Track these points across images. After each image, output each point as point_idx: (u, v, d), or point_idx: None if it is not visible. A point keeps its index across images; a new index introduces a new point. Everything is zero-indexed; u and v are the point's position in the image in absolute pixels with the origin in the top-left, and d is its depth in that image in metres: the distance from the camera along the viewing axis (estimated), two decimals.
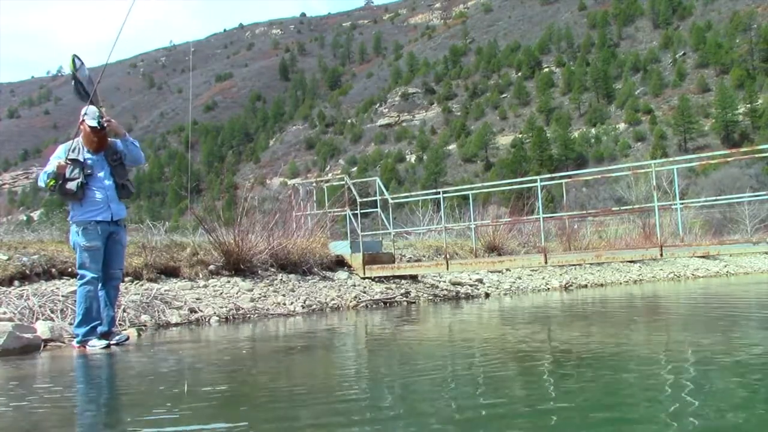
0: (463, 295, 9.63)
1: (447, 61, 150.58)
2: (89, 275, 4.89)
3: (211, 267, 8.14)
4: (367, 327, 6.28)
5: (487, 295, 9.85)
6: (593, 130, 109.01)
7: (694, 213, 22.52)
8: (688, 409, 2.36)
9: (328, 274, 9.20)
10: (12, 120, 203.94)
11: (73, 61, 5.13)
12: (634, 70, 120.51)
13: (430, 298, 9.09)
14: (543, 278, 11.92)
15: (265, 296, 7.71)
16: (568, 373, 3.27)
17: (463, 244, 12.39)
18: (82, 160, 4.96)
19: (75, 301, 5.18)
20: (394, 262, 9.75)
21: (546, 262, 8.36)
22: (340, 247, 9.67)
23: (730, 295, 9.43)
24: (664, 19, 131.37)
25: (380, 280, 9.35)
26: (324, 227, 9.96)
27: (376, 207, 10.05)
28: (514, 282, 11.08)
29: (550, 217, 11.78)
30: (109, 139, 5.13)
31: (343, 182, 10.09)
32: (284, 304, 7.60)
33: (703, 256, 16.91)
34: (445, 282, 10.10)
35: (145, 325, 6.19)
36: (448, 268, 9.11)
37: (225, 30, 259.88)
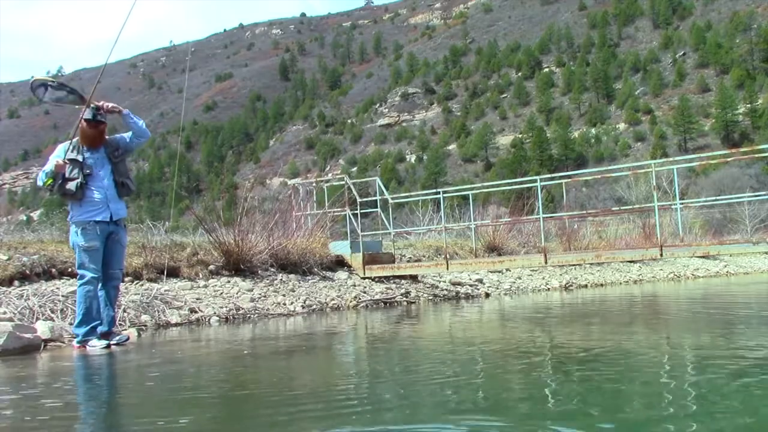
0: (463, 295, 9.62)
1: (447, 61, 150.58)
2: (89, 275, 4.89)
3: (211, 267, 8.14)
4: (367, 327, 6.28)
5: (487, 295, 9.85)
6: (593, 130, 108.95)
7: (694, 213, 22.52)
8: (689, 410, 2.36)
9: (328, 274, 9.20)
10: (12, 120, 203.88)
11: (43, 85, 5.08)
12: (634, 70, 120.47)
13: (430, 298, 9.09)
14: (543, 278, 11.92)
15: (265, 296, 7.71)
16: (568, 373, 3.27)
17: (463, 244, 12.39)
18: (81, 159, 4.96)
19: (75, 301, 5.18)
20: (394, 262, 9.76)
21: (546, 262, 8.37)
22: (340, 247, 9.67)
23: (730, 295, 9.43)
24: (664, 19, 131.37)
25: (380, 280, 9.35)
26: (324, 227, 9.95)
27: (376, 207, 10.05)
28: (514, 282, 11.09)
29: (550, 217, 11.78)
30: (108, 137, 5.13)
31: (343, 182, 10.09)
32: (284, 304, 7.60)
33: (703, 256, 16.92)
34: (445, 282, 10.10)
35: (145, 325, 6.19)
36: (448, 268, 9.11)
37: (225, 30, 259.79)
